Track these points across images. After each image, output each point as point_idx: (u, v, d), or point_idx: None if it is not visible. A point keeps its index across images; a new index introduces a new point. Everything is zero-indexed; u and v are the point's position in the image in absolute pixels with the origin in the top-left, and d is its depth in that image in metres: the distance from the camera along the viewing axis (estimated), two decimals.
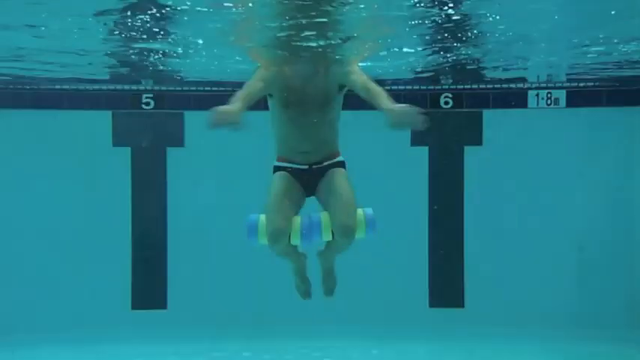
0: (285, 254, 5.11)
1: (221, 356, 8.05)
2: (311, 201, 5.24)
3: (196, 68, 7.74)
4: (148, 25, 5.79)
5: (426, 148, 8.95)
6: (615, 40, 6.53)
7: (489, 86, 8.75)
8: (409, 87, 8.71)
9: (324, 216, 5.01)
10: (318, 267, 5.34)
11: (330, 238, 5.01)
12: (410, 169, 8.89)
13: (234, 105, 4.53)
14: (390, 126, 4.44)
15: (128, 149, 8.91)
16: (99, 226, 8.81)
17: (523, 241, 8.87)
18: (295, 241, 4.99)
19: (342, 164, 5.21)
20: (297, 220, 4.98)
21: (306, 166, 5.15)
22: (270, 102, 5.16)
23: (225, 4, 5.15)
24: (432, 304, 8.96)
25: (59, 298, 8.73)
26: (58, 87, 8.65)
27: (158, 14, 5.49)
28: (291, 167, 5.15)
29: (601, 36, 6.37)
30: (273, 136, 5.23)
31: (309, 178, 5.15)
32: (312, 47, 5.89)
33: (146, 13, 5.48)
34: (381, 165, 8.78)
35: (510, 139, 8.89)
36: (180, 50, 6.82)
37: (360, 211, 4.98)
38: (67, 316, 8.68)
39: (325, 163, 5.16)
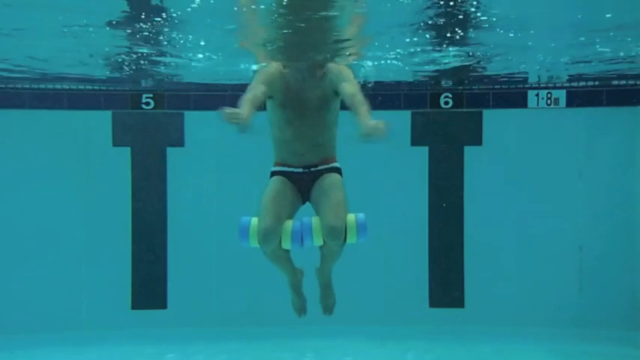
0: (277, 259, 5.10)
1: (221, 356, 8.04)
2: (308, 208, 5.25)
3: (197, 72, 7.75)
4: (153, 28, 5.79)
5: (426, 148, 8.95)
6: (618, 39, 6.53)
7: (489, 86, 8.75)
8: (409, 87, 8.72)
9: (315, 220, 5.01)
10: (316, 283, 5.37)
11: (321, 242, 5.00)
12: (410, 169, 8.89)
13: (243, 108, 4.63)
14: (361, 137, 4.61)
15: (128, 149, 8.90)
16: (99, 226, 8.81)
17: (523, 241, 8.86)
18: (286, 244, 4.99)
19: (337, 170, 5.25)
20: (289, 224, 4.99)
21: (300, 169, 5.18)
22: (268, 103, 5.18)
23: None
24: (432, 304, 8.96)
25: (59, 298, 8.73)
26: (58, 87, 8.65)
27: (162, 18, 5.49)
28: (286, 171, 5.18)
29: (610, 34, 6.36)
30: (271, 140, 5.26)
31: (304, 182, 5.18)
32: (312, 49, 5.90)
33: (152, 17, 5.48)
34: (381, 165, 8.79)
35: (510, 139, 8.89)
36: (182, 53, 6.83)
37: (351, 215, 4.97)
38: (67, 316, 8.69)
39: (320, 167, 5.19)
